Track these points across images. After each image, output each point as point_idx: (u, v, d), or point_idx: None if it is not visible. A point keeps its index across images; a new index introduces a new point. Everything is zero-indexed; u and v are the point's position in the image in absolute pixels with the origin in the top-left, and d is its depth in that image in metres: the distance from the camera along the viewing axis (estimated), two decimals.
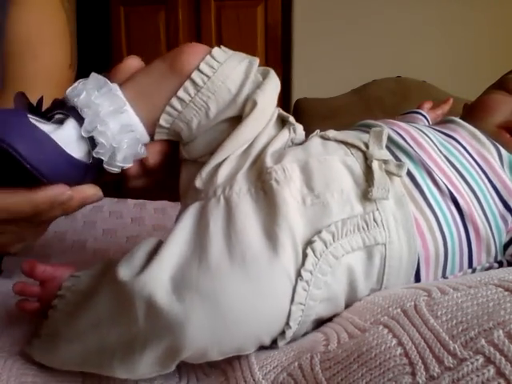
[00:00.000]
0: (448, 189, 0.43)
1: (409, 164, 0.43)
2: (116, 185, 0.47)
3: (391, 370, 0.30)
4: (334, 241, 0.38)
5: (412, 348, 0.31)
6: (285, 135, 0.44)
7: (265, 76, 0.44)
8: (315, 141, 0.45)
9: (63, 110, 0.41)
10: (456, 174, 0.45)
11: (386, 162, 0.41)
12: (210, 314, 0.34)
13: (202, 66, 0.42)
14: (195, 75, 0.42)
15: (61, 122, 0.41)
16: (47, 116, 0.41)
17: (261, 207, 0.39)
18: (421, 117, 0.69)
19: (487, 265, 0.44)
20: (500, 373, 0.27)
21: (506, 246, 0.45)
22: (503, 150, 0.48)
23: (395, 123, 0.49)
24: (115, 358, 0.36)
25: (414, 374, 0.29)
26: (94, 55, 1.71)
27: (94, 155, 0.41)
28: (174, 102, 0.42)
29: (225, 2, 2.23)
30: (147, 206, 0.95)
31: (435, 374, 0.29)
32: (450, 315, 0.32)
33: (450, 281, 0.38)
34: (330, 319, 0.40)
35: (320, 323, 0.40)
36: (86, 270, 0.45)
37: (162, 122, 0.43)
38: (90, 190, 0.44)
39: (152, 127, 0.44)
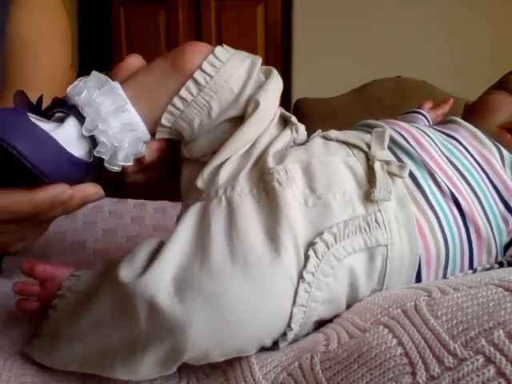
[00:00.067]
0: (450, 190, 0.43)
1: (410, 165, 0.43)
2: (118, 183, 0.47)
3: (391, 370, 0.30)
4: (335, 242, 0.38)
5: (412, 348, 0.31)
6: (287, 135, 0.44)
7: (267, 75, 0.44)
8: (317, 141, 0.44)
9: (64, 108, 0.41)
10: (457, 174, 0.45)
11: (388, 162, 0.41)
12: (212, 315, 0.34)
13: (205, 66, 0.42)
14: (198, 74, 0.42)
15: (61, 121, 0.40)
16: (47, 114, 0.41)
17: (263, 208, 0.39)
18: (421, 116, 0.69)
19: (488, 265, 0.44)
20: (500, 373, 0.27)
21: (506, 247, 0.45)
22: (505, 151, 0.48)
23: (397, 123, 0.49)
24: (116, 360, 0.36)
25: (414, 374, 0.29)
26: (94, 55, 1.70)
27: (95, 154, 0.41)
28: (176, 101, 0.42)
29: (225, 2, 2.23)
30: (147, 206, 0.95)
31: (435, 374, 0.29)
32: (450, 315, 0.32)
33: (451, 281, 0.38)
34: (330, 320, 0.40)
35: (321, 324, 0.40)
36: (86, 269, 0.44)
37: (163, 120, 0.43)
38: (91, 189, 0.44)
39: (153, 126, 0.44)
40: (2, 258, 0.64)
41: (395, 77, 2.04)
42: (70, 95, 0.41)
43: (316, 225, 0.38)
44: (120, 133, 0.41)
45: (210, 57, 0.42)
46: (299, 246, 0.37)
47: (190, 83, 0.42)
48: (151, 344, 0.35)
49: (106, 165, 0.42)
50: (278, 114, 0.45)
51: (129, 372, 0.36)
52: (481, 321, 0.30)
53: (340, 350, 0.34)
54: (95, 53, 1.92)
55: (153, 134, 0.44)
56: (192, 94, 0.42)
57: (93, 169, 0.42)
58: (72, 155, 0.40)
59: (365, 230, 0.39)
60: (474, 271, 0.43)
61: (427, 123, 0.67)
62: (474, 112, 0.55)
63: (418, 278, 0.41)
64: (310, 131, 0.46)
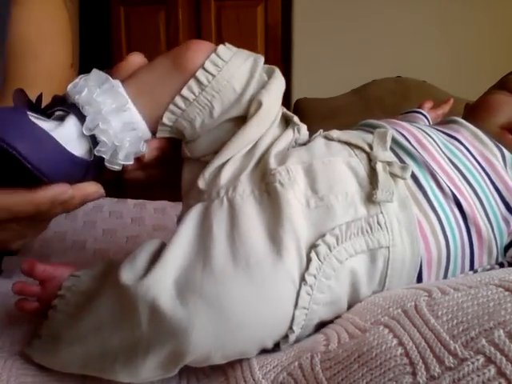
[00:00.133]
0: (451, 191, 0.43)
1: (412, 166, 0.43)
2: (118, 183, 0.47)
3: (392, 370, 0.30)
4: (337, 244, 0.38)
5: (412, 348, 0.31)
6: (289, 135, 0.44)
7: (270, 75, 0.43)
8: (319, 141, 0.44)
9: (64, 106, 0.40)
10: (459, 175, 0.45)
11: (390, 163, 0.41)
12: (214, 318, 0.34)
13: (207, 65, 0.42)
14: (200, 73, 0.41)
15: (61, 119, 0.40)
16: (47, 113, 0.41)
17: (264, 209, 0.38)
18: (421, 116, 0.68)
19: (488, 266, 0.44)
20: (501, 373, 0.27)
21: (506, 248, 0.45)
22: (507, 152, 0.48)
23: (398, 123, 0.49)
24: (117, 362, 0.36)
25: (414, 374, 0.29)
26: (94, 55, 1.70)
27: (96, 153, 0.40)
28: (178, 100, 0.42)
29: (225, 2, 2.23)
30: (147, 206, 0.95)
31: (436, 374, 0.29)
32: (450, 315, 0.32)
33: (451, 281, 0.38)
34: (331, 320, 0.40)
35: (322, 325, 0.40)
36: (86, 269, 0.44)
37: (164, 120, 0.43)
38: (91, 188, 0.44)
39: (154, 124, 0.43)
40: (2, 257, 0.64)
41: (395, 77, 2.04)
42: (70, 93, 0.40)
43: (318, 227, 0.38)
44: (121, 132, 0.41)
45: (213, 56, 0.42)
46: (301, 248, 0.37)
47: (192, 82, 0.42)
48: (153, 347, 0.35)
49: (106, 164, 0.41)
50: (280, 114, 0.44)
51: (130, 374, 0.36)
52: (481, 321, 0.30)
53: (340, 349, 0.34)
54: (95, 52, 1.92)
55: (154, 132, 0.44)
56: (194, 94, 0.42)
57: (93, 168, 0.42)
58: (72, 154, 0.39)
59: (367, 231, 0.39)
60: (475, 272, 0.43)
61: (427, 123, 0.67)
62: (475, 112, 0.55)
63: (419, 280, 0.41)
64: (310, 131, 0.46)
